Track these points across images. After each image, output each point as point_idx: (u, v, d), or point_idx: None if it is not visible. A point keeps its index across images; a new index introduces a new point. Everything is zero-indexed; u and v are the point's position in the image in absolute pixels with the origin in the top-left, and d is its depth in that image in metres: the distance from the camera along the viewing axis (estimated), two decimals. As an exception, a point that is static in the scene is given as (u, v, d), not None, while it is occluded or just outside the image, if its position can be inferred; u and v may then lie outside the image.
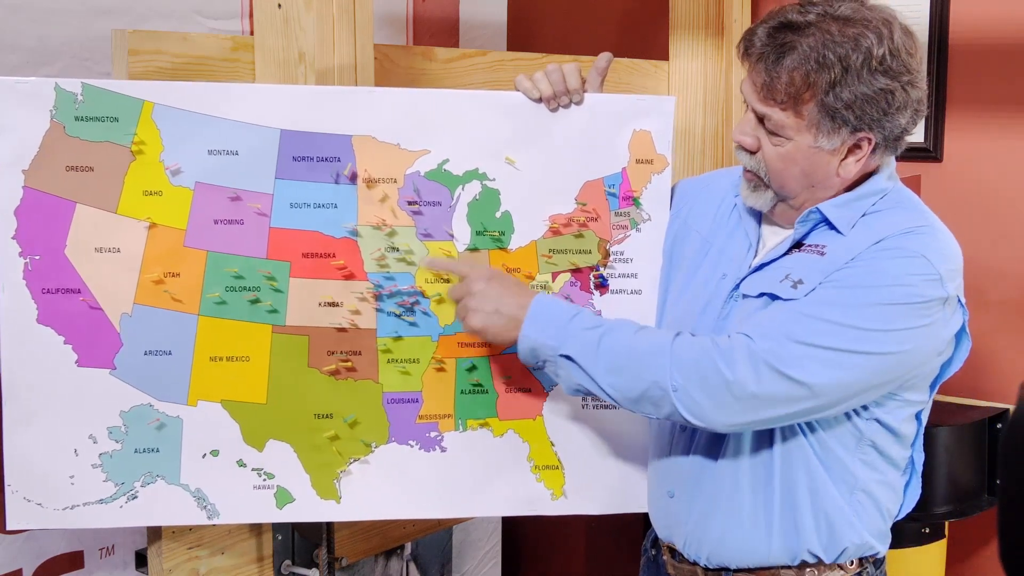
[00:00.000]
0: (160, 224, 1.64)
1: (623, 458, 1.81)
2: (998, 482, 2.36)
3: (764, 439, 1.60)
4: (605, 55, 1.77)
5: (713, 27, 2.52)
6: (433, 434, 1.76)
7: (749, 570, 1.64)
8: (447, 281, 1.73)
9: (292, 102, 1.67)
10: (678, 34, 2.52)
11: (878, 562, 1.68)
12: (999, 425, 2.41)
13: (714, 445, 1.64)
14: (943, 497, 2.35)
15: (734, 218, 1.71)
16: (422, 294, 1.72)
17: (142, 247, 1.64)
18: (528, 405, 1.78)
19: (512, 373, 1.76)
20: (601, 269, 1.77)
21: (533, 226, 1.75)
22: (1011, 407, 2.43)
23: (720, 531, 1.64)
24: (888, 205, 1.60)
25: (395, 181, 1.70)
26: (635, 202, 1.77)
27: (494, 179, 1.73)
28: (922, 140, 2.59)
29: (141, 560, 2.06)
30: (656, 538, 1.78)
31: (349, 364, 1.72)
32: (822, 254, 1.57)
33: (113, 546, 2.28)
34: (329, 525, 1.95)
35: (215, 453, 1.70)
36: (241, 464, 1.71)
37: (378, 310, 1.71)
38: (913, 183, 2.52)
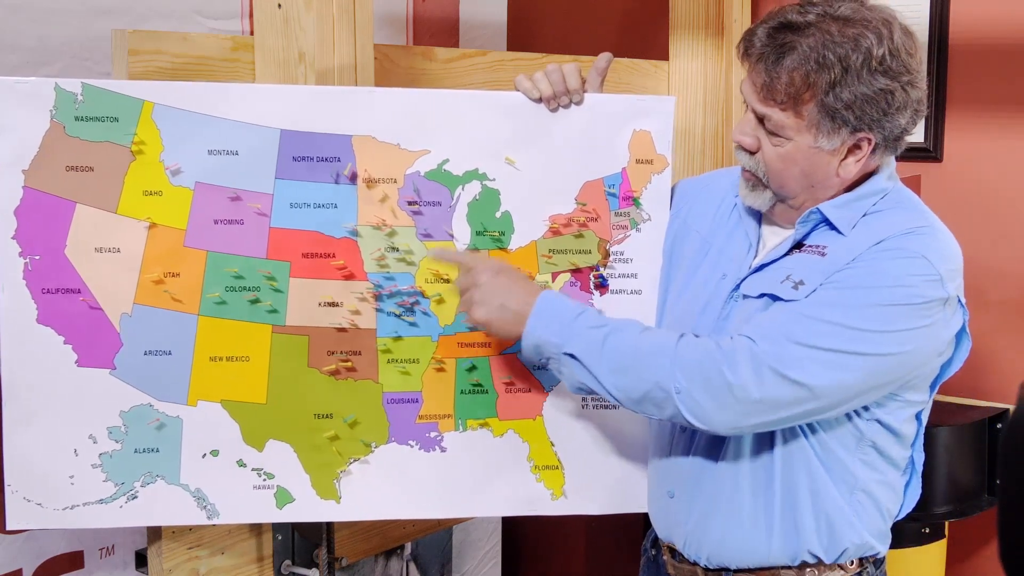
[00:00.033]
0: (160, 224, 1.64)
1: (623, 458, 1.81)
2: (998, 482, 2.36)
3: (764, 440, 1.60)
4: (605, 55, 1.77)
5: (713, 27, 2.52)
6: (433, 434, 1.76)
7: (749, 570, 1.64)
8: (447, 281, 1.73)
9: (292, 102, 1.67)
10: (678, 34, 2.52)
11: (878, 562, 1.68)
12: (999, 425, 2.41)
13: (714, 445, 1.64)
14: (943, 497, 2.35)
15: (734, 218, 1.71)
16: (422, 294, 1.72)
17: (142, 247, 1.64)
18: (528, 405, 1.78)
19: (512, 373, 1.76)
20: (601, 269, 1.77)
21: (533, 226, 1.75)
22: (1011, 407, 2.43)
23: (720, 531, 1.64)
24: (888, 205, 1.60)
25: (395, 181, 1.70)
26: (635, 202, 1.77)
27: (494, 179, 1.73)
28: (922, 140, 2.59)
29: (141, 560, 2.06)
30: (656, 538, 1.78)
31: (349, 364, 1.72)
32: (823, 255, 1.57)
33: (113, 546, 2.28)
34: (329, 525, 1.95)
35: (215, 453, 1.70)
36: (241, 464, 1.71)
37: (378, 310, 1.71)
38: (913, 183, 2.52)
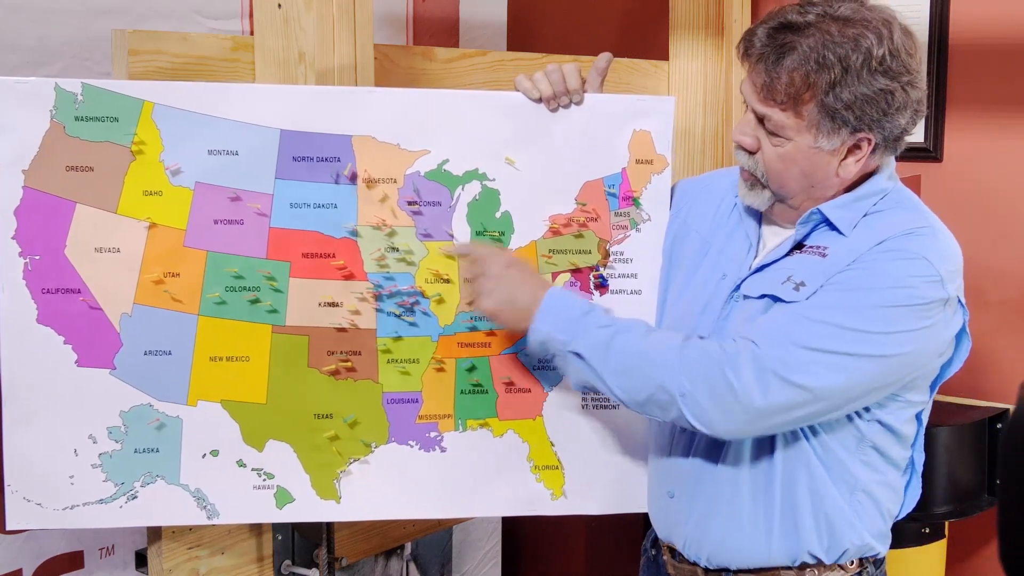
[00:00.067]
0: (160, 224, 1.64)
1: (623, 458, 1.81)
2: (998, 482, 2.36)
3: (765, 441, 1.60)
4: (605, 55, 1.77)
5: (713, 27, 2.52)
6: (433, 434, 1.76)
7: (749, 571, 1.64)
8: (447, 281, 1.73)
9: (292, 102, 1.67)
10: (678, 34, 2.52)
11: (878, 562, 1.68)
12: (999, 425, 2.41)
13: (714, 446, 1.63)
14: (943, 497, 2.35)
15: (734, 218, 1.71)
16: (422, 294, 1.72)
17: (142, 247, 1.64)
18: (528, 405, 1.78)
19: (512, 373, 1.76)
20: (601, 269, 1.77)
21: (533, 226, 1.75)
22: (1011, 407, 2.43)
23: (720, 532, 1.64)
24: (889, 205, 1.60)
25: (395, 181, 1.70)
26: (635, 202, 1.77)
27: (494, 179, 1.73)
28: (922, 140, 2.59)
29: (141, 560, 2.06)
30: (656, 538, 1.78)
31: (349, 364, 1.72)
32: (824, 256, 1.57)
33: (113, 546, 2.28)
34: (329, 525, 1.95)
35: (215, 453, 1.70)
36: (241, 464, 1.71)
37: (378, 310, 1.71)
38: (913, 183, 2.52)
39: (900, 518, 1.70)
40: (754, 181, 1.61)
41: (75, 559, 2.22)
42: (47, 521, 1.68)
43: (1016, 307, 2.55)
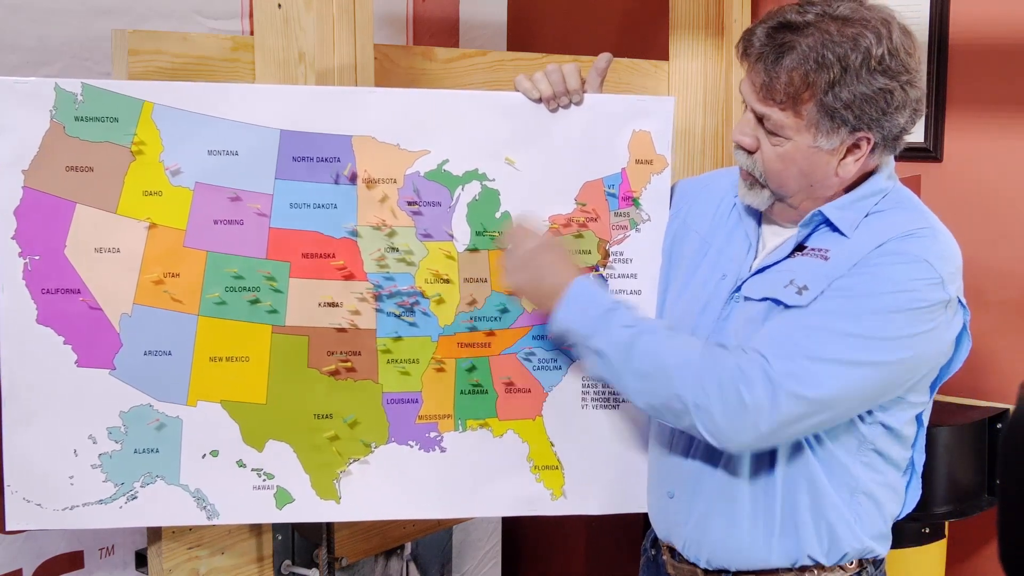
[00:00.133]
0: (160, 224, 1.64)
1: (623, 458, 1.81)
2: (998, 482, 2.35)
3: (765, 443, 1.60)
4: (605, 55, 1.77)
5: (713, 27, 2.52)
6: (433, 434, 1.76)
7: (748, 572, 1.64)
8: (447, 281, 1.73)
9: (292, 102, 1.67)
10: (678, 34, 2.52)
11: (877, 562, 1.68)
12: (999, 425, 2.41)
13: (714, 447, 1.63)
14: (943, 497, 2.35)
15: (733, 218, 1.71)
16: (422, 294, 1.72)
17: (142, 247, 1.64)
18: (528, 405, 1.78)
19: (512, 373, 1.76)
20: (601, 269, 1.77)
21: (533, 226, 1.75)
22: (1011, 407, 2.43)
23: (720, 534, 1.64)
24: (890, 205, 1.60)
25: (395, 181, 1.70)
26: (635, 202, 1.77)
27: (494, 179, 1.73)
28: (922, 140, 2.59)
29: (141, 560, 2.06)
30: (656, 538, 1.77)
31: (349, 364, 1.72)
32: (826, 258, 1.56)
33: (113, 546, 2.28)
34: (329, 525, 1.95)
35: (215, 453, 1.70)
36: (241, 464, 1.71)
37: (378, 310, 1.71)
38: (913, 183, 2.52)
39: (900, 518, 1.70)
40: (753, 181, 1.61)
41: (75, 559, 2.22)
42: (47, 521, 1.68)
43: (1016, 307, 2.55)
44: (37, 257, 1.62)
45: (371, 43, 1.90)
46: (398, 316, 1.72)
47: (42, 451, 1.65)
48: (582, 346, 1.59)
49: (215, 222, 1.65)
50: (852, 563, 1.64)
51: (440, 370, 1.74)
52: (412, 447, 1.76)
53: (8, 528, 1.69)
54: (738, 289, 1.64)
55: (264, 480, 1.72)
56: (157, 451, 1.68)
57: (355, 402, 1.73)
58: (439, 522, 2.34)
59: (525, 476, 1.79)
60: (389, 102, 1.70)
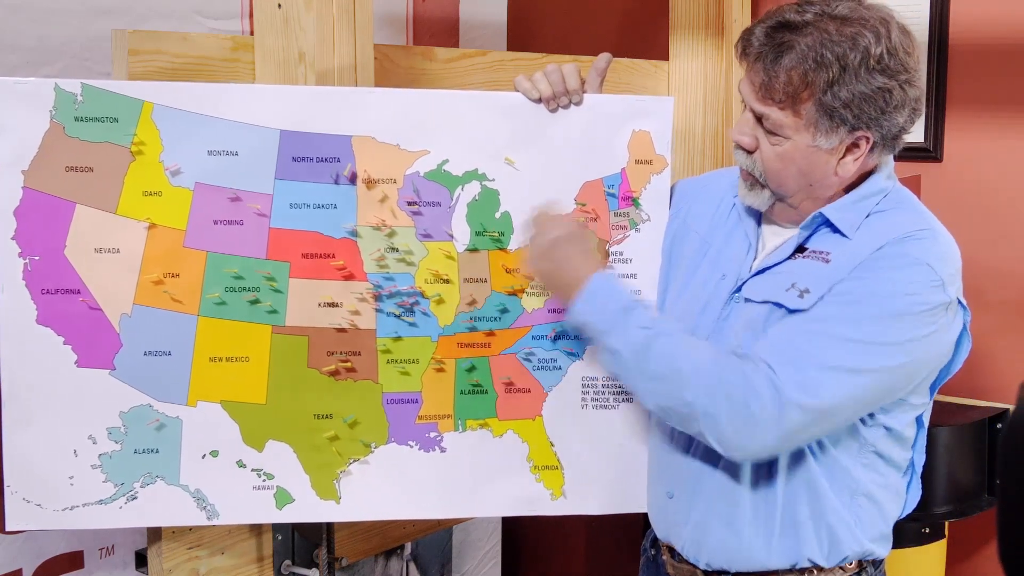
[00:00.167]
0: (160, 224, 1.64)
1: (623, 458, 1.81)
2: (998, 482, 2.35)
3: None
4: (604, 55, 1.77)
5: (713, 27, 2.52)
6: (433, 434, 1.76)
7: (748, 574, 1.64)
8: (447, 282, 1.73)
9: (292, 102, 1.67)
10: (678, 34, 2.52)
11: (877, 562, 1.68)
12: (999, 425, 2.41)
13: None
14: (943, 497, 2.35)
15: (733, 218, 1.71)
16: (421, 294, 1.72)
17: (142, 247, 1.64)
18: (527, 405, 1.78)
19: (511, 373, 1.76)
20: (601, 269, 1.77)
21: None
22: (1011, 407, 2.43)
23: (719, 535, 1.63)
24: (890, 205, 1.60)
25: (395, 181, 1.70)
26: (634, 202, 1.77)
27: (493, 179, 1.73)
28: (922, 140, 2.59)
29: (141, 560, 2.06)
30: (656, 538, 1.77)
31: (349, 364, 1.72)
32: (827, 261, 1.56)
33: (113, 546, 2.28)
34: (329, 525, 1.95)
35: (215, 454, 1.70)
36: (241, 464, 1.71)
37: (378, 310, 1.72)
38: (913, 183, 2.52)
39: (900, 518, 1.70)
40: (753, 181, 1.61)
41: (75, 559, 2.22)
42: (47, 522, 1.68)
43: (1016, 307, 2.55)
44: (37, 257, 1.62)
45: (371, 43, 1.90)
46: (398, 316, 1.72)
47: (42, 451, 1.65)
48: (598, 341, 1.59)
49: (215, 222, 1.65)
50: (851, 564, 1.64)
51: (440, 370, 1.74)
52: (412, 447, 1.76)
53: (8, 528, 1.69)
54: (738, 289, 1.63)
55: (264, 480, 1.72)
56: (157, 451, 1.68)
57: (355, 402, 1.73)
58: (439, 522, 2.34)
59: (525, 476, 1.79)
60: (389, 102, 1.70)
